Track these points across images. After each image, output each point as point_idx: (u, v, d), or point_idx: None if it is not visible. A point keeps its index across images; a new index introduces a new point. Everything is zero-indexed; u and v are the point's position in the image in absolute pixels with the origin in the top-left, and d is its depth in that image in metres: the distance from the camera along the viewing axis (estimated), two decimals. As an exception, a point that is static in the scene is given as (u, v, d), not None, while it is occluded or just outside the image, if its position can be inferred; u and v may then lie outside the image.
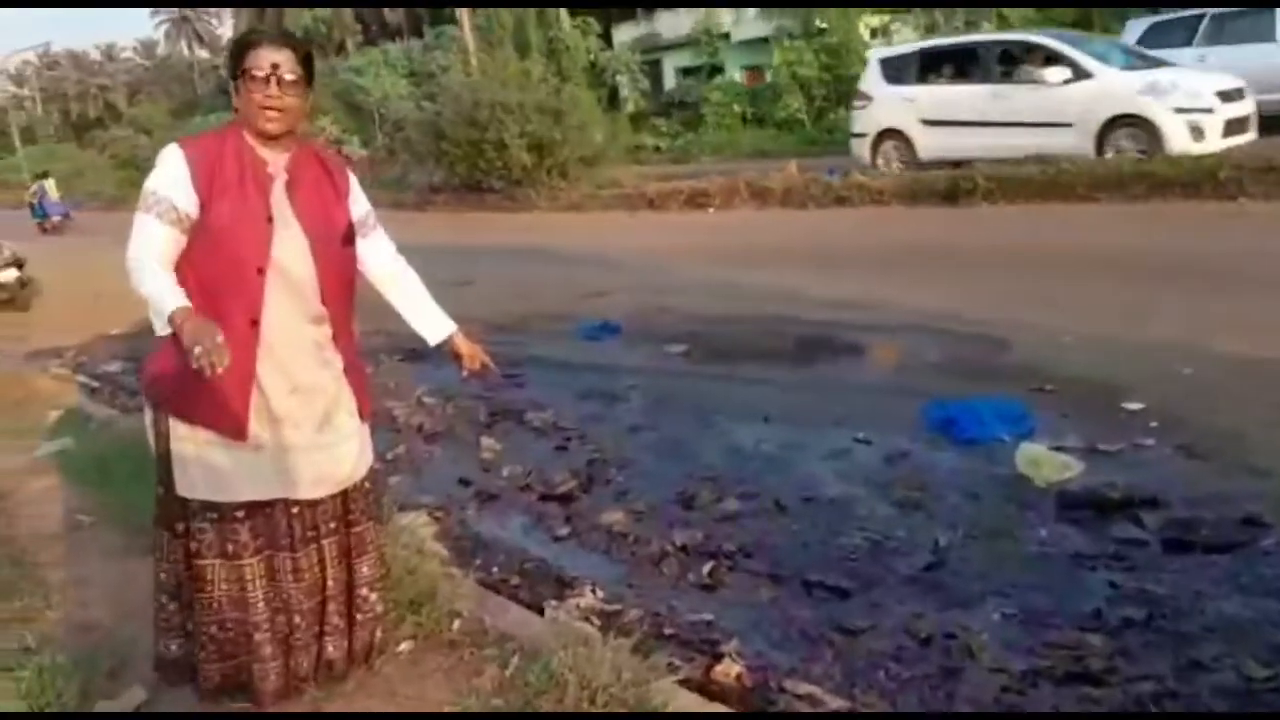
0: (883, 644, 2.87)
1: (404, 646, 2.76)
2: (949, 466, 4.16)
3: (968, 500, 3.81)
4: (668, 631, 2.98)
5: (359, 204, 2.55)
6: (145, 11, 68.04)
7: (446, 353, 2.77)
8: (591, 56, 30.35)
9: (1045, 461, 3.95)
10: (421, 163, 20.44)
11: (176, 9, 66.03)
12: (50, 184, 24.54)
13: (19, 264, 11.23)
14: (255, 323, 2.30)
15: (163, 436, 2.38)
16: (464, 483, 4.54)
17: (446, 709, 2.49)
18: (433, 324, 2.71)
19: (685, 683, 2.54)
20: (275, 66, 2.28)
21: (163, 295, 2.17)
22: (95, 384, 6.93)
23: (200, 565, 2.41)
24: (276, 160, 2.37)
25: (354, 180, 2.58)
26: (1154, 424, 4.32)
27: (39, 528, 4.00)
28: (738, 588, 3.30)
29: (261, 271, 2.29)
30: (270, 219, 2.31)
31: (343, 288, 2.48)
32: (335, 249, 2.42)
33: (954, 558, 3.35)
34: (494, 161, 17.26)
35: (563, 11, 30.17)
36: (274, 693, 2.48)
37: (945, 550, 3.40)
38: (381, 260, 2.64)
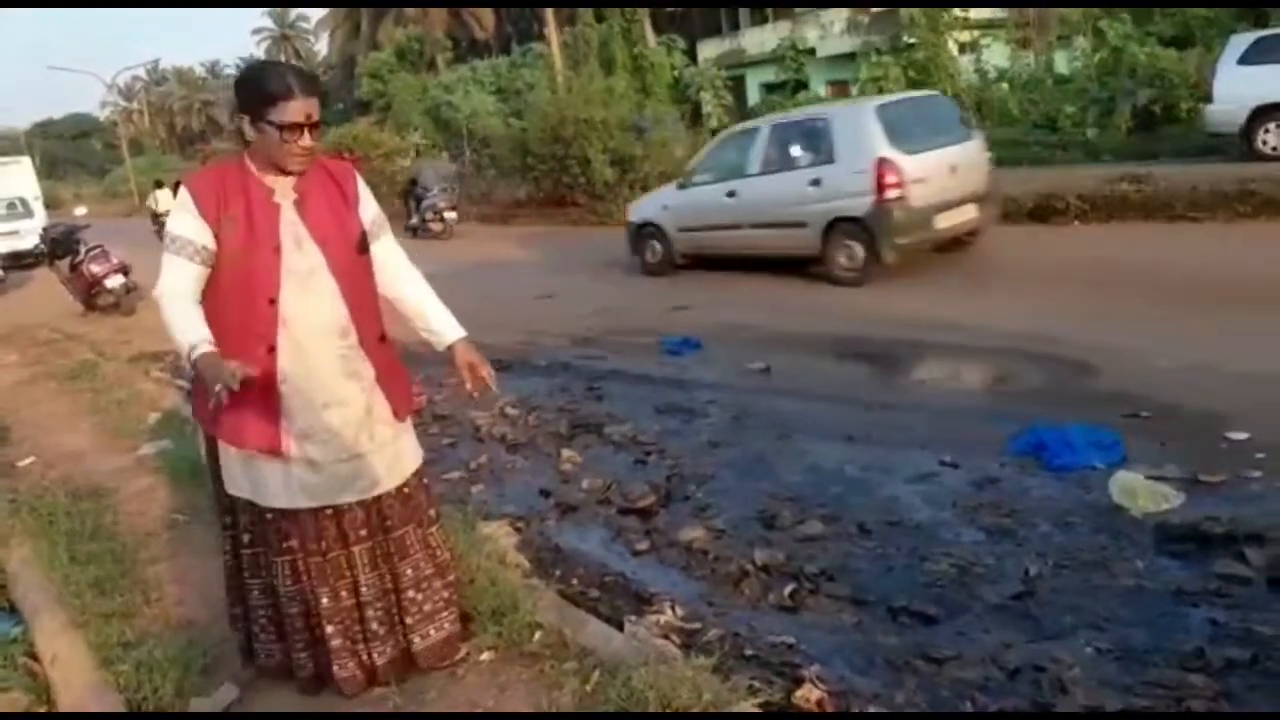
0: (969, 674, 2.79)
1: (485, 656, 2.78)
2: (1039, 493, 4.03)
3: (1059, 529, 3.68)
4: (748, 653, 2.94)
5: (368, 208, 2.58)
6: (248, 30, 70.60)
7: (449, 360, 2.69)
8: (676, 73, 30.46)
9: (1142, 491, 3.80)
10: (507, 177, 20.76)
11: (276, 28, 68.38)
12: (164, 194, 25.70)
13: (125, 271, 11.74)
14: (272, 349, 2.37)
15: (210, 440, 2.53)
16: (544, 494, 4.58)
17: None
18: (438, 329, 2.67)
19: (766, 706, 2.50)
20: (309, 117, 2.34)
21: (183, 336, 2.29)
22: (191, 388, 7.17)
23: (243, 554, 2.59)
24: (284, 184, 2.43)
25: (362, 184, 2.60)
26: (1260, 455, 4.12)
27: (138, 525, 4.16)
28: (820, 611, 3.25)
29: (273, 302, 2.36)
30: (277, 248, 2.37)
31: (365, 295, 2.52)
32: (352, 258, 2.48)
33: (1044, 588, 3.24)
34: (577, 176, 17.46)
35: (648, 28, 30.38)
36: (308, 681, 2.61)
37: (1035, 579, 3.29)
38: (388, 263, 2.65)
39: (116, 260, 11.77)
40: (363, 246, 2.53)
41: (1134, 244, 9.46)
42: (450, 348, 2.66)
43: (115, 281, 11.64)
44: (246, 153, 2.42)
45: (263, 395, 2.38)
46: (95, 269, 11.63)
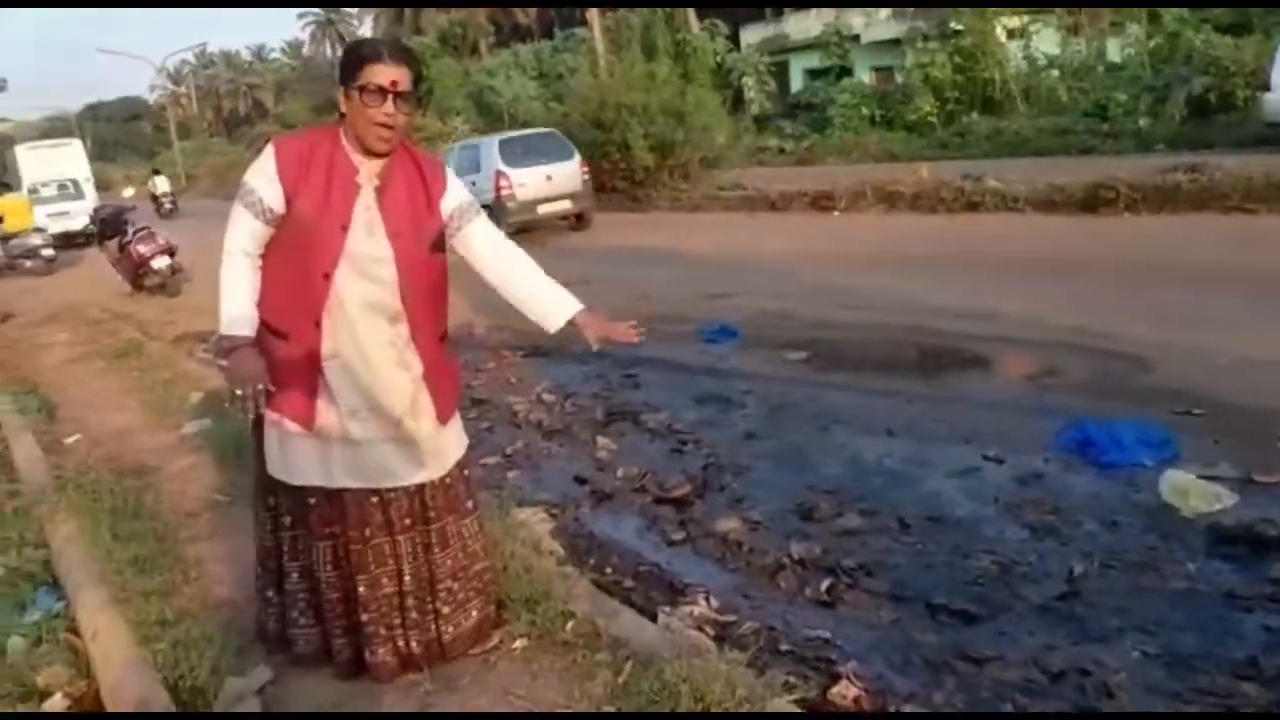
0: (1010, 675, 2.72)
1: (519, 644, 2.77)
2: (1085, 491, 3.93)
3: (1105, 528, 3.59)
4: (783, 647, 2.90)
5: (455, 196, 2.53)
6: (294, 13, 71.34)
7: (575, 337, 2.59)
8: (718, 58, 30.23)
9: (1194, 491, 3.69)
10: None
11: (321, 10, 68.95)
12: (161, 179, 31.09)
13: (171, 252, 11.91)
14: (318, 324, 2.36)
15: (258, 416, 2.50)
16: (580, 481, 4.56)
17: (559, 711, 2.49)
18: (549, 310, 2.58)
19: (801, 703, 2.46)
20: (394, 84, 2.31)
21: (227, 312, 2.38)
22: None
23: (282, 536, 2.58)
24: (370, 167, 2.40)
25: (450, 177, 2.57)
26: (1318, 456, 3.99)
27: (180, 504, 4.21)
28: (857, 606, 3.19)
29: (328, 277, 2.34)
30: (345, 226, 2.34)
31: (428, 292, 2.48)
32: (421, 255, 2.44)
33: (1090, 588, 3.16)
34: (617, 162, 17.40)
35: (691, 13, 30.17)
36: (345, 666, 2.60)
37: (1080, 579, 3.21)
38: (484, 249, 2.59)
39: (163, 241, 11.95)
40: (436, 246, 2.49)
41: (1188, 236, 9.23)
42: (572, 323, 2.56)
43: (162, 262, 11.81)
44: (341, 127, 2.41)
45: (306, 370, 2.39)
46: (143, 249, 11.81)
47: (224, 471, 4.51)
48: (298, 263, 2.37)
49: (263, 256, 2.43)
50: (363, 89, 2.30)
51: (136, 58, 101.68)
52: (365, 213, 2.38)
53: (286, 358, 2.40)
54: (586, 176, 15.22)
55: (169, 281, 11.88)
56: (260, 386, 2.35)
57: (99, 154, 53.60)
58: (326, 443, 2.45)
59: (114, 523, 3.85)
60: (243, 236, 2.40)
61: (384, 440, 2.46)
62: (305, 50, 77.29)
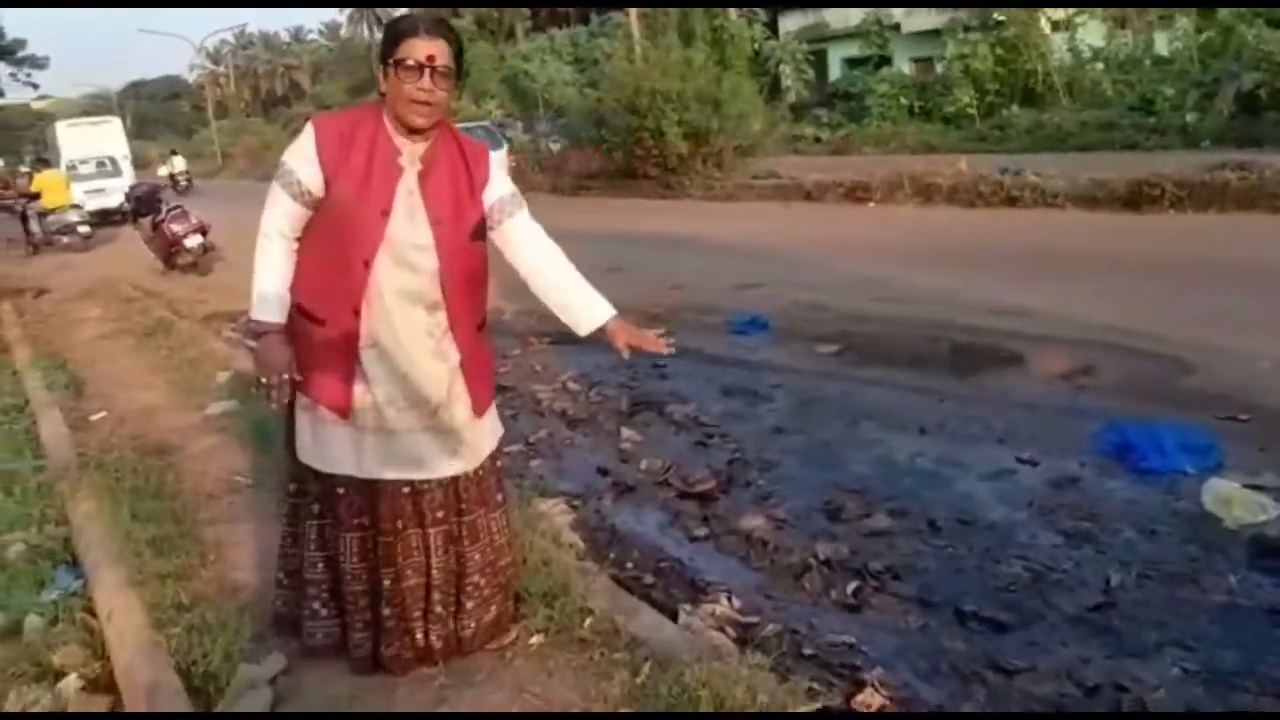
0: (1043, 688, 2.63)
1: (535, 640, 2.70)
2: (1123, 497, 3.81)
3: (1144, 536, 3.47)
4: (806, 651, 2.82)
5: (498, 188, 2.46)
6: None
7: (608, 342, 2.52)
8: (756, 45, 29.93)
9: (1238, 500, 3.56)
10: (581, 148, 20.67)
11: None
12: (178, 159, 33.39)
13: (204, 231, 11.97)
14: (357, 312, 2.30)
15: (289, 401, 2.43)
16: (602, 472, 4.49)
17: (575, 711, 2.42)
18: (581, 314, 2.50)
19: (825, 711, 2.37)
20: (431, 58, 2.23)
21: (261, 296, 2.35)
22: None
23: (307, 525, 2.52)
24: (413, 149, 2.33)
25: (495, 166, 2.49)
26: (1369, 467, 3.84)
27: (200, 486, 4.19)
28: (884, 611, 3.10)
29: (368, 264, 2.27)
30: (387, 212, 2.27)
31: (467, 281, 2.41)
32: (461, 243, 2.36)
33: (1127, 599, 3.05)
34: (651, 149, 17.26)
35: (729, -1, 29.86)
36: (363, 661, 2.53)
37: (1117, 590, 3.10)
38: (522, 245, 2.50)
39: (196, 220, 12.00)
40: (477, 234, 2.42)
41: (1236, 235, 9.00)
42: (602, 329, 2.50)
43: (194, 241, 11.87)
44: (383, 107, 2.33)
45: (342, 357, 2.33)
46: (176, 228, 11.87)
47: (246, 454, 4.49)
48: (337, 248, 2.30)
49: (300, 239, 2.37)
50: (399, 63, 2.23)
51: (177, 37, 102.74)
52: (407, 197, 2.31)
53: (323, 344, 2.34)
54: (514, 164, 16.24)
55: (200, 260, 11.94)
56: (287, 376, 2.31)
57: (138, 132, 54.20)
58: (360, 431, 2.38)
59: (134, 502, 3.83)
60: (279, 218, 2.34)
61: (420, 430, 2.40)
62: (343, 32, 77.63)
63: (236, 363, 6.36)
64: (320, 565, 2.53)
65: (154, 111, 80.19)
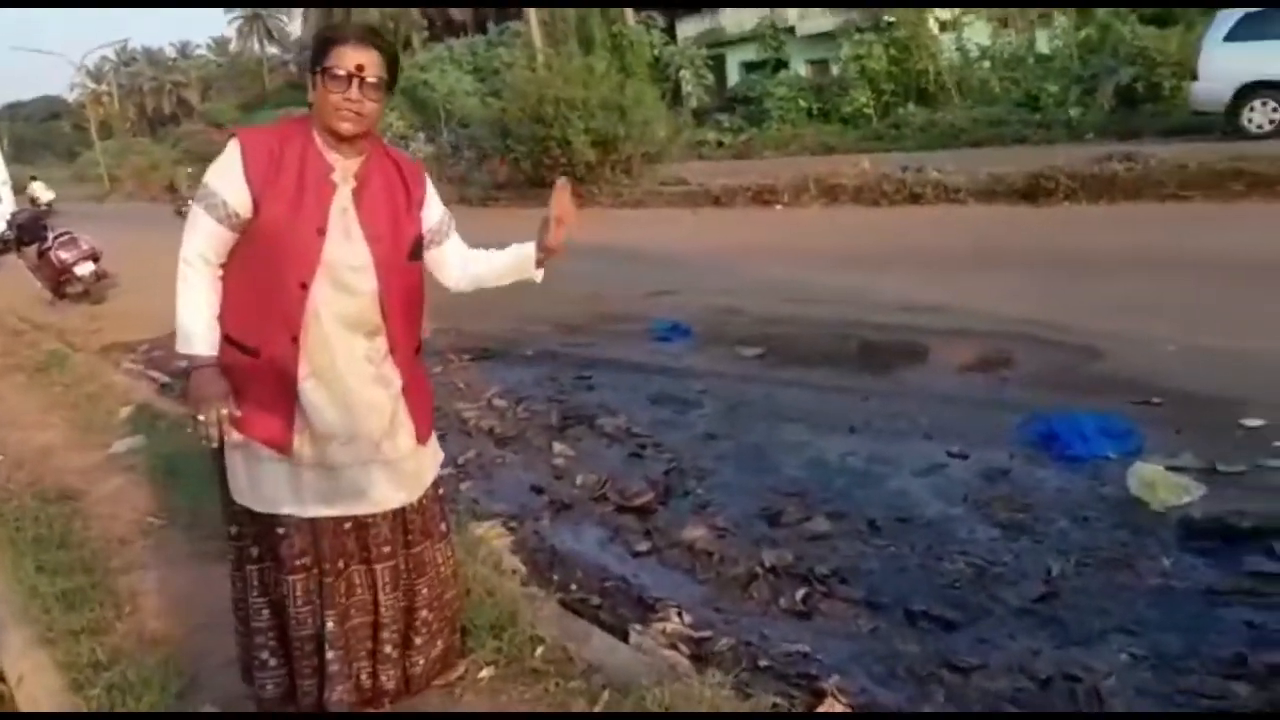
0: (998, 684, 2.64)
1: (485, 674, 2.60)
2: (1053, 485, 3.89)
3: (1077, 524, 3.54)
4: (762, 663, 2.78)
5: (433, 211, 2.38)
6: (219, 10, 69.54)
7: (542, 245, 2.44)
8: (655, 52, 30.08)
9: (1161, 483, 3.67)
10: (486, 159, 20.41)
11: (249, 7, 67.30)
12: (38, 184, 30.87)
13: (95, 257, 11.39)
14: (295, 339, 2.17)
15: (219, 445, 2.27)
16: (537, 490, 4.39)
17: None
18: (524, 259, 2.46)
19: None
20: (360, 68, 2.13)
21: (187, 329, 2.19)
22: (167, 380, 6.93)
23: (248, 570, 2.37)
24: (346, 165, 2.21)
25: (430, 186, 2.40)
26: (1278, 443, 4.00)
27: (110, 530, 3.94)
28: (834, 616, 3.09)
29: (305, 287, 2.15)
30: (322, 230, 2.15)
31: (405, 303, 2.31)
32: (400, 261, 2.27)
33: (1068, 589, 3.10)
34: (558, 158, 17.15)
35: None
36: (310, 710, 2.37)
37: (1058, 580, 3.15)
38: (457, 259, 2.46)
39: (86, 246, 11.40)
40: (415, 253, 2.31)
41: (1127, 224, 9.37)
42: (546, 251, 2.43)
43: (85, 269, 11.28)
44: (311, 121, 2.20)
45: (280, 389, 2.18)
46: (64, 255, 11.25)
47: (156, 493, 4.25)
48: (269, 272, 2.16)
49: (224, 265, 2.21)
50: (327, 71, 2.12)
51: (55, 55, 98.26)
52: (341, 216, 2.18)
53: (257, 375, 2.19)
54: None
55: (94, 288, 11.36)
56: (225, 411, 2.15)
57: (15, 156, 51.56)
58: (298, 468, 2.24)
59: (38, 553, 3.59)
60: (202, 243, 2.17)
61: (363, 464, 2.27)
62: (232, 46, 75.47)
63: (139, 396, 6.06)
64: (265, 611, 2.37)
65: (32, 134, 76.63)
